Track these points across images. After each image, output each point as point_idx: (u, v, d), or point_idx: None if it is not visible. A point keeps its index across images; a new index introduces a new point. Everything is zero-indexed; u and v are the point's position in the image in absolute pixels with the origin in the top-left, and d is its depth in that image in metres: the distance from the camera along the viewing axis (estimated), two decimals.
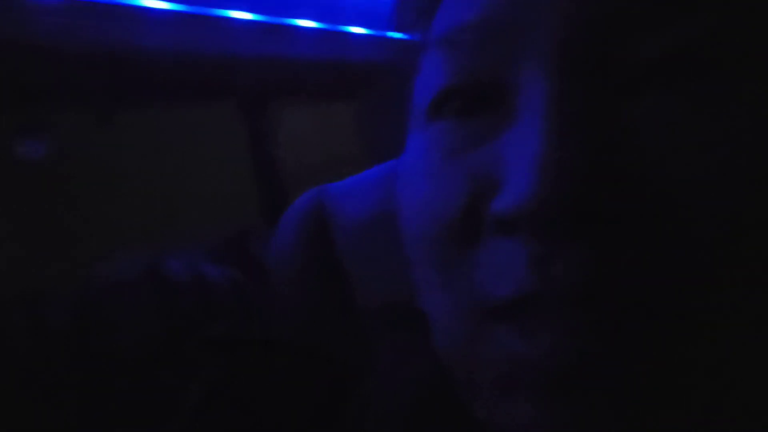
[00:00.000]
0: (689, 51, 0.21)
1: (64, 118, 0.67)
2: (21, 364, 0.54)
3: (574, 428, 0.21)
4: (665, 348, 0.21)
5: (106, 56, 0.62)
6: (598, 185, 0.20)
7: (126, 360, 0.51)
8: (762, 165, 0.21)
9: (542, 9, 0.21)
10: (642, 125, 0.21)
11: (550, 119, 0.20)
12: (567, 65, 0.21)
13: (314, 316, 0.33)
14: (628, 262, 0.20)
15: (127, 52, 0.64)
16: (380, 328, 0.32)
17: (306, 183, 0.42)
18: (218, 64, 0.70)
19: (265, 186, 0.78)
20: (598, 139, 0.20)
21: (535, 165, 0.20)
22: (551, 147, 0.20)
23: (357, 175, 0.38)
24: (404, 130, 0.28)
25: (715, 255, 0.20)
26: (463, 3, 0.24)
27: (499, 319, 0.21)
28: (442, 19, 0.25)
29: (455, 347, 0.24)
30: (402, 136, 0.28)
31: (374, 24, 0.83)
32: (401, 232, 0.26)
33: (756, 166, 0.21)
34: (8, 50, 0.53)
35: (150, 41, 0.65)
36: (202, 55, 0.71)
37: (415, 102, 0.26)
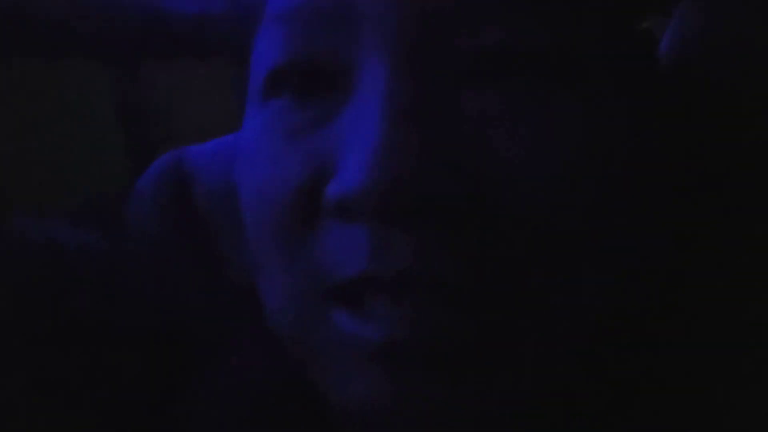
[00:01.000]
0: (528, 45, 0.21)
1: None
2: None
3: (409, 405, 0.21)
4: (496, 327, 0.21)
5: None
6: (435, 171, 0.20)
7: None
8: (594, 165, 0.22)
9: None
10: (479, 116, 0.21)
11: (387, 103, 0.20)
12: (407, 50, 0.21)
13: (171, 288, 0.32)
14: (465, 248, 0.21)
15: None
16: (241, 307, 0.31)
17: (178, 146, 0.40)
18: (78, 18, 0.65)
19: (134, 148, 0.74)
20: (435, 127, 0.20)
21: (370, 149, 0.20)
22: (387, 131, 0.20)
23: (221, 138, 0.36)
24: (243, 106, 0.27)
25: (542, 246, 0.21)
26: None
27: (337, 300, 0.22)
28: None
29: (292, 329, 0.24)
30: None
31: None
32: (242, 213, 0.26)
33: (587, 165, 0.22)
34: None
35: None
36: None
37: (252, 78, 0.25)
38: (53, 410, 0.27)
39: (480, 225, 0.21)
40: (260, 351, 0.29)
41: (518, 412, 0.23)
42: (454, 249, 0.20)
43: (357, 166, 0.20)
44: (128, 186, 0.39)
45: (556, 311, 0.22)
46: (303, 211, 0.22)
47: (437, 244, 0.20)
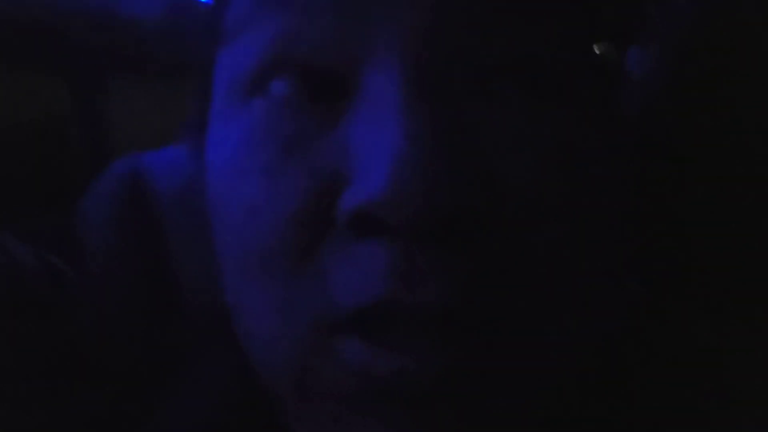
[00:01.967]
0: (539, 57, 0.20)
1: None
2: None
3: None
4: (523, 367, 0.20)
5: None
6: (463, 183, 0.19)
7: None
8: (601, 180, 0.22)
9: None
10: (494, 127, 0.20)
11: (407, 111, 0.19)
12: (424, 57, 0.19)
13: (127, 308, 0.30)
14: (495, 273, 0.19)
15: None
16: (201, 331, 0.28)
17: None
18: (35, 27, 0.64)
19: (92, 161, 0.73)
20: (453, 137, 0.19)
21: (392, 156, 0.18)
22: (412, 138, 0.18)
23: (179, 145, 0.33)
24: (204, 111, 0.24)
25: (568, 268, 0.20)
26: None
27: (345, 331, 0.19)
28: None
29: (284, 362, 0.21)
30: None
31: None
32: (214, 237, 0.23)
33: (594, 180, 0.21)
34: None
35: None
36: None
37: (222, 77, 0.23)
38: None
39: (501, 245, 0.19)
40: (221, 372, 0.27)
41: None
42: (477, 273, 0.19)
43: (379, 173, 0.18)
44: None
45: (568, 335, 0.21)
46: (307, 229, 0.20)
47: (463, 266, 0.19)
